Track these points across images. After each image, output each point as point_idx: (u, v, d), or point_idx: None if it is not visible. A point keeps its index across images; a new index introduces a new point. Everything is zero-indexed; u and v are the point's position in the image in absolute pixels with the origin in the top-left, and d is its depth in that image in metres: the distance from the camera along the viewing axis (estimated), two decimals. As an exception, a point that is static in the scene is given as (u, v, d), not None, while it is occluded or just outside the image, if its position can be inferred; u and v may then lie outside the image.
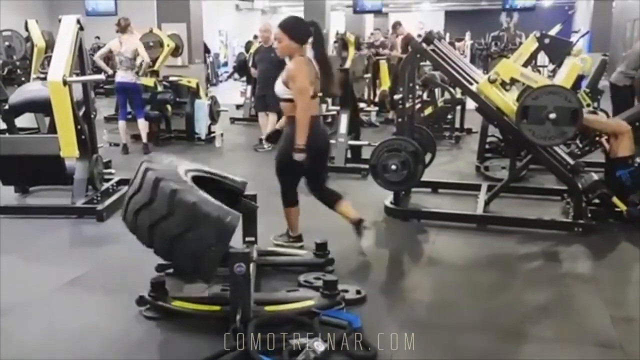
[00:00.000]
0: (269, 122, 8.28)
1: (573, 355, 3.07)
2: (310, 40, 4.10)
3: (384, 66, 11.88)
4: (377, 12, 20.66)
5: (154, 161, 3.41)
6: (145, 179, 3.20)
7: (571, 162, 5.09)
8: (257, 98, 8.57)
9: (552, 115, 4.58)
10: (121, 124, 8.35)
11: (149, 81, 8.73)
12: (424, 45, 5.22)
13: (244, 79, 12.29)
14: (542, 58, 11.32)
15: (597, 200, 5.06)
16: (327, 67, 4.18)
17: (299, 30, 4.09)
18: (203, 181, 3.62)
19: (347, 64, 7.71)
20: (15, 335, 3.24)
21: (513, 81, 5.16)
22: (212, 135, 9.06)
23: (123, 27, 8.17)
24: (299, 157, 4.01)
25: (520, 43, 12.94)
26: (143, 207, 3.17)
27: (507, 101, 4.98)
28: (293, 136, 4.00)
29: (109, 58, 8.86)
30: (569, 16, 17.05)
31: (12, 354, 3.04)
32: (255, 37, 12.83)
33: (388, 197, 5.43)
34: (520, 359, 3.06)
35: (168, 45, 10.50)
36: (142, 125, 8.28)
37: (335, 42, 11.26)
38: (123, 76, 8.10)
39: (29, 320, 3.42)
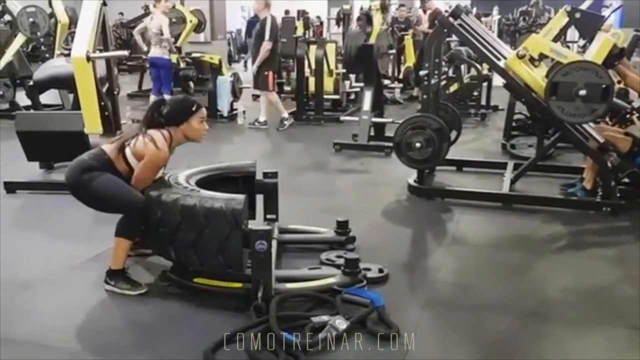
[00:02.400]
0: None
1: (599, 337, 3.02)
2: None
3: (409, 42, 11.71)
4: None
5: (155, 188, 3.41)
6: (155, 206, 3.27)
7: (601, 140, 4.96)
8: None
9: (582, 92, 4.44)
10: (152, 98, 8.36)
11: (172, 57, 8.71)
12: (451, 19, 5.10)
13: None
14: (572, 34, 11.06)
15: (626, 180, 4.94)
16: None
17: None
18: (211, 179, 3.81)
19: (372, 40, 7.57)
20: (37, 311, 3.27)
21: (542, 57, 5.03)
22: (235, 112, 9.03)
23: (156, 1, 8.25)
24: None
25: (549, 18, 12.62)
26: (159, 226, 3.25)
27: (536, 77, 4.85)
28: None
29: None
30: (602, -10, 16.56)
31: (33, 328, 3.06)
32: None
33: (412, 176, 5.36)
34: (545, 340, 3.00)
35: (191, 22, 10.48)
36: None
37: (358, 18, 11.09)
38: (153, 51, 8.20)
39: (53, 294, 3.45)
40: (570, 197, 5.06)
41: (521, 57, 4.84)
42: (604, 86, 4.47)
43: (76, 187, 3.45)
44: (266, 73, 8.12)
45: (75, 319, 3.17)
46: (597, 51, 4.79)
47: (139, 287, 3.42)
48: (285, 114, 8.40)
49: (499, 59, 5.13)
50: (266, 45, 7.98)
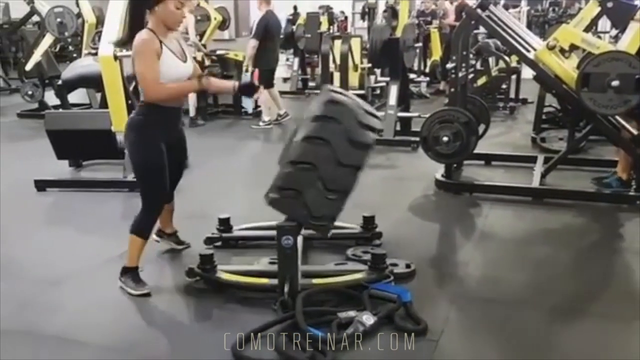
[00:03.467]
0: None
1: (628, 333, 2.94)
2: None
3: (435, 35, 11.58)
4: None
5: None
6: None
7: (634, 132, 4.84)
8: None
9: (615, 83, 4.34)
10: None
11: (197, 55, 8.73)
12: (478, 11, 5.02)
13: (291, 51, 12.18)
14: (603, 24, 10.82)
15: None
16: None
17: None
18: None
19: (398, 33, 7.51)
20: (70, 305, 3.31)
21: (572, 48, 4.92)
22: (259, 109, 9.03)
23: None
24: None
25: (580, 9, 12.38)
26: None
27: (567, 69, 4.75)
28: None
29: None
30: (632, -21, 16.20)
31: (64, 323, 3.10)
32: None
33: (439, 170, 5.30)
34: (576, 336, 2.94)
35: (215, 19, 10.48)
36: (192, 99, 8.32)
37: (384, 11, 11.01)
38: None
39: (83, 290, 3.49)
40: (605, 188, 4.94)
41: (551, 48, 4.74)
42: (637, 76, 4.35)
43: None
44: (254, 70, 8.12)
45: (104, 315, 3.20)
46: (630, 41, 4.67)
47: (142, 288, 3.38)
48: (266, 118, 8.32)
49: (528, 51, 5.03)
50: (251, 43, 7.94)
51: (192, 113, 8.33)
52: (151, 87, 3.19)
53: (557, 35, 4.80)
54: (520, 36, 5.22)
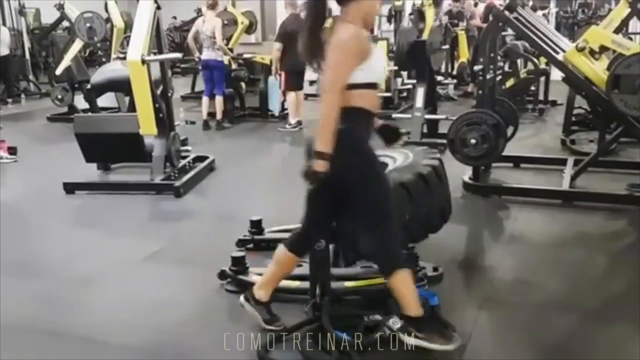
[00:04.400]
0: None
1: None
2: None
3: (462, 37, 11.50)
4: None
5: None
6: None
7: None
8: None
9: (647, 84, 4.26)
10: (205, 100, 8.49)
11: (224, 59, 8.79)
12: (506, 13, 4.96)
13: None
14: (634, 25, 10.65)
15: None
16: None
17: None
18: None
19: (424, 36, 7.47)
20: (97, 305, 3.35)
21: (602, 50, 4.85)
22: (286, 111, 9.05)
23: (209, 5, 8.31)
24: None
25: (610, 10, 12.20)
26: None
27: (597, 70, 4.68)
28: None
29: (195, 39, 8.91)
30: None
31: (94, 323, 3.13)
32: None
33: (467, 173, 5.24)
34: (609, 341, 2.88)
35: (242, 23, 10.57)
36: (219, 102, 8.39)
37: (410, 14, 10.96)
38: (206, 54, 8.26)
39: (111, 291, 3.52)
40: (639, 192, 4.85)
41: (581, 50, 4.68)
42: (670, 77, 4.27)
43: None
44: (280, 74, 8.15)
45: (131, 315, 3.22)
46: (662, 41, 4.58)
47: (275, 323, 2.97)
48: (292, 120, 8.30)
49: (557, 53, 4.96)
50: (274, 46, 8.04)
51: (219, 116, 8.39)
52: (332, 93, 2.58)
53: (586, 37, 4.75)
54: (548, 38, 5.15)
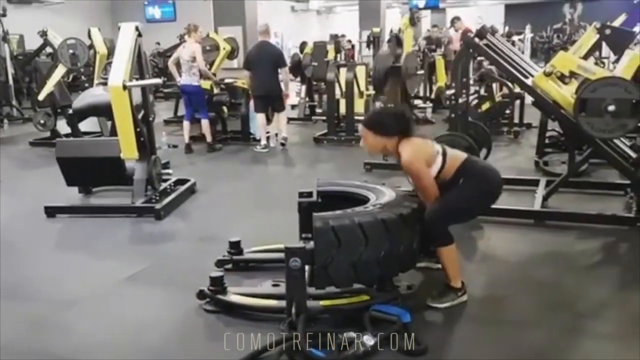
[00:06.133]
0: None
1: (631, 352, 2.97)
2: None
3: (440, 62, 11.75)
4: (434, 8, 20.49)
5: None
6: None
7: (633, 155, 4.91)
8: None
9: (611, 108, 4.43)
10: (185, 124, 8.61)
11: (206, 84, 8.92)
12: (476, 40, 5.15)
13: (299, 79, 12.38)
14: (608, 50, 10.94)
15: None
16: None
17: (384, 123, 3.54)
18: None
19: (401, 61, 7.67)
20: (80, 328, 3.40)
21: (573, 74, 5.03)
22: (267, 135, 9.17)
23: (189, 31, 8.48)
24: None
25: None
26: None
27: (564, 94, 4.85)
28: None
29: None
30: (635, 6, 16.39)
31: (76, 344, 3.19)
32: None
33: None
34: (576, 356, 2.98)
35: (224, 49, 10.71)
36: (206, 126, 8.53)
37: (388, 40, 11.19)
38: (184, 79, 8.37)
39: (93, 312, 3.57)
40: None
41: (548, 75, 4.85)
42: (633, 101, 4.44)
43: None
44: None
45: (114, 336, 3.28)
46: (625, 67, 4.77)
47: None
48: (262, 141, 8.57)
49: (526, 77, 5.14)
50: (244, 72, 8.55)
51: (209, 139, 8.53)
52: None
53: (554, 62, 4.92)
54: (518, 63, 5.34)
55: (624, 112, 4.45)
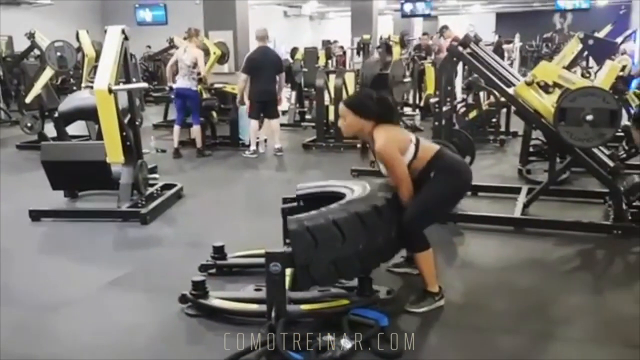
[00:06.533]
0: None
1: (601, 356, 3.05)
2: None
3: (429, 70, 11.84)
4: (425, 16, 20.62)
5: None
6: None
7: (611, 164, 4.99)
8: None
9: (589, 117, 4.51)
10: (176, 128, 8.62)
11: (197, 88, 8.95)
12: (460, 49, 5.22)
13: (289, 85, 12.42)
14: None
15: (638, 203, 4.95)
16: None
17: (366, 105, 3.56)
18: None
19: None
20: (61, 331, 3.43)
21: (556, 84, 5.10)
22: (257, 140, 9.21)
23: (190, 35, 8.49)
24: None
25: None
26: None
27: (545, 103, 4.93)
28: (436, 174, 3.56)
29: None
30: (620, 16, 16.62)
31: (57, 348, 3.22)
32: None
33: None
34: (548, 359, 3.04)
35: (214, 53, 10.76)
36: (197, 131, 8.54)
37: (378, 47, 11.29)
38: (181, 82, 8.38)
39: (76, 316, 3.61)
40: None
41: (529, 84, 4.92)
42: (611, 111, 4.52)
43: None
44: (244, 102, 8.50)
45: (97, 339, 3.32)
46: (604, 77, 4.86)
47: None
48: (252, 147, 8.58)
49: (509, 86, 5.22)
50: (240, 77, 8.41)
51: (199, 144, 8.56)
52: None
53: (535, 72, 5.00)
54: (501, 73, 5.41)
55: (602, 122, 4.53)
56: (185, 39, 8.67)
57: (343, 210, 3.28)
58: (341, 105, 3.67)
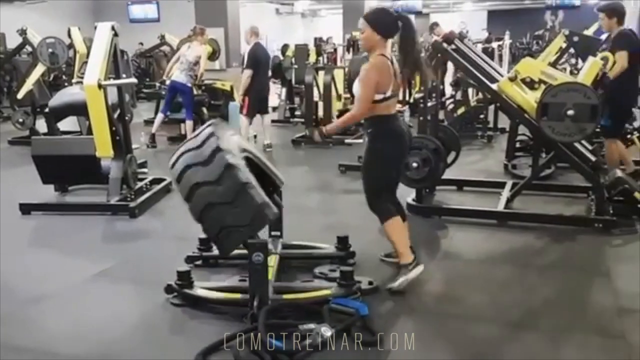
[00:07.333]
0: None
1: (575, 344, 3.14)
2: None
3: (419, 67, 11.90)
4: (417, 13, 20.69)
5: (219, 129, 3.43)
6: (207, 141, 3.30)
7: (593, 158, 5.08)
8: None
9: (571, 112, 4.58)
10: (159, 116, 8.72)
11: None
12: (444, 45, 5.29)
13: (279, 81, 12.49)
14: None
15: (620, 197, 5.05)
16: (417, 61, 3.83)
17: (385, 22, 3.70)
18: (252, 164, 3.69)
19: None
20: (45, 322, 3.48)
21: (542, 81, 5.17)
22: (247, 136, 9.26)
23: (196, 34, 8.56)
24: (315, 136, 4.08)
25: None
26: (195, 165, 3.28)
27: (528, 99, 5.01)
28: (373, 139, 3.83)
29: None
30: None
31: (43, 340, 3.27)
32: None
33: (411, 195, 5.50)
34: (520, 349, 3.13)
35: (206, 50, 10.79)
36: (189, 127, 8.60)
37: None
38: (177, 76, 8.47)
39: (60, 308, 3.66)
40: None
41: (512, 80, 5.00)
42: (592, 106, 4.60)
43: None
44: (242, 97, 8.36)
45: (81, 329, 3.38)
46: (585, 73, 4.94)
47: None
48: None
49: (493, 82, 5.30)
50: (245, 73, 8.28)
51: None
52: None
53: (518, 68, 5.07)
54: (485, 69, 5.49)
55: (583, 117, 4.61)
56: (189, 37, 8.76)
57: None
58: (361, 19, 3.74)
